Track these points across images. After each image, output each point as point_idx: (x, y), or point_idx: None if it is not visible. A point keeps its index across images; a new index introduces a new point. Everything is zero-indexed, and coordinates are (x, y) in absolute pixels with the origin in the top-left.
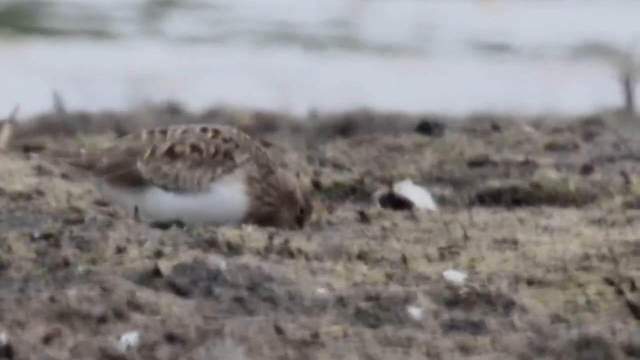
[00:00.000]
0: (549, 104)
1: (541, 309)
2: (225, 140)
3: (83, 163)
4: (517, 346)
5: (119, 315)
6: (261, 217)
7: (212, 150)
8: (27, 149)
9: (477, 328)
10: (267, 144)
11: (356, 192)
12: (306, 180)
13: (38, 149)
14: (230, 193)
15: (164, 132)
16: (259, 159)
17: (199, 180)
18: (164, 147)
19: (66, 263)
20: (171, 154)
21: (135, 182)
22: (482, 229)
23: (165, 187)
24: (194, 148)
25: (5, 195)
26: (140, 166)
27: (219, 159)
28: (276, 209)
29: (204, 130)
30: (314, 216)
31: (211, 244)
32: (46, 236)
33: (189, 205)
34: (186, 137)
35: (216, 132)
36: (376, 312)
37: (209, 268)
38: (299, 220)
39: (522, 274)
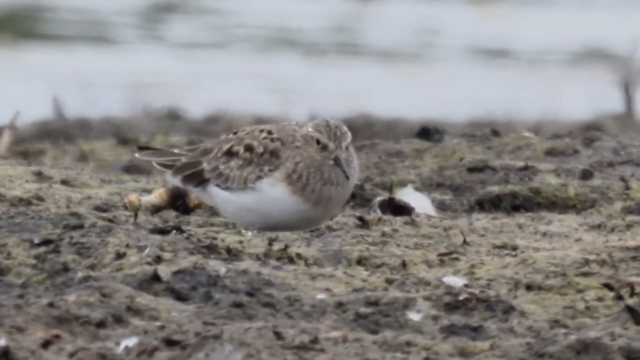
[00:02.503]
0: (548, 109)
1: (540, 314)
2: (273, 140)
3: (167, 162)
4: (517, 351)
5: (119, 321)
6: (309, 191)
7: (261, 149)
8: (134, 143)
9: (476, 333)
10: None
11: (356, 197)
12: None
13: (38, 154)
14: (275, 192)
15: (235, 133)
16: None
17: (245, 179)
18: (225, 147)
19: (66, 268)
20: (229, 153)
21: (199, 180)
22: (482, 234)
23: (218, 186)
24: (247, 148)
25: (5, 201)
26: (205, 165)
27: (266, 158)
28: (303, 167)
29: (261, 130)
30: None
31: (211, 250)
32: (46, 242)
33: (241, 203)
34: (245, 137)
35: (269, 132)
36: (376, 317)
37: (208, 273)
38: (323, 148)
39: (521, 279)
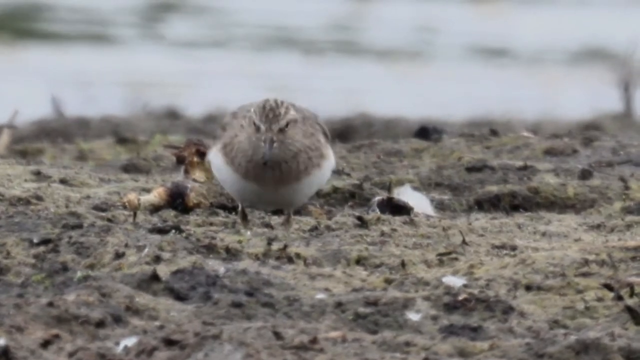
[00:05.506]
0: (547, 109)
1: (540, 314)
2: (231, 114)
3: None
4: (516, 351)
5: (118, 320)
6: (243, 165)
7: (222, 123)
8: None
9: (476, 333)
10: None
11: (355, 197)
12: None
13: (37, 153)
14: (218, 161)
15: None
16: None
17: (208, 153)
18: None
19: (65, 268)
20: None
21: None
22: (481, 234)
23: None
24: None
25: (5, 201)
26: None
27: (221, 130)
28: (238, 147)
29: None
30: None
31: (210, 249)
32: (45, 241)
33: (214, 173)
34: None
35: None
36: (375, 317)
37: (207, 273)
38: (257, 129)
39: (520, 279)
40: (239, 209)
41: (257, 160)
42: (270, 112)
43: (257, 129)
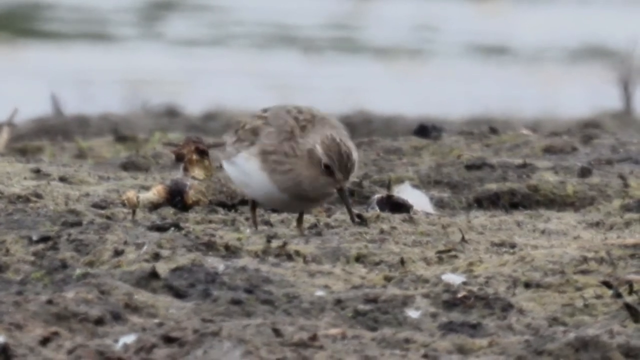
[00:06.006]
0: (547, 107)
1: (539, 312)
2: (260, 117)
3: None
4: (515, 348)
5: (117, 318)
6: (290, 187)
7: (247, 126)
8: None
9: (475, 330)
10: None
11: (354, 195)
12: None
13: (36, 151)
14: (249, 166)
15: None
16: (283, 127)
17: (229, 154)
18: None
19: (64, 265)
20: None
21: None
22: (480, 232)
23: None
24: (242, 125)
25: (4, 198)
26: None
27: (248, 134)
28: (296, 173)
29: (264, 110)
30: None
31: (209, 247)
32: (44, 239)
33: (232, 175)
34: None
35: (264, 110)
36: (375, 314)
37: (206, 270)
38: (329, 174)
39: (520, 276)
40: (250, 200)
41: (312, 191)
42: (347, 161)
43: (330, 173)
